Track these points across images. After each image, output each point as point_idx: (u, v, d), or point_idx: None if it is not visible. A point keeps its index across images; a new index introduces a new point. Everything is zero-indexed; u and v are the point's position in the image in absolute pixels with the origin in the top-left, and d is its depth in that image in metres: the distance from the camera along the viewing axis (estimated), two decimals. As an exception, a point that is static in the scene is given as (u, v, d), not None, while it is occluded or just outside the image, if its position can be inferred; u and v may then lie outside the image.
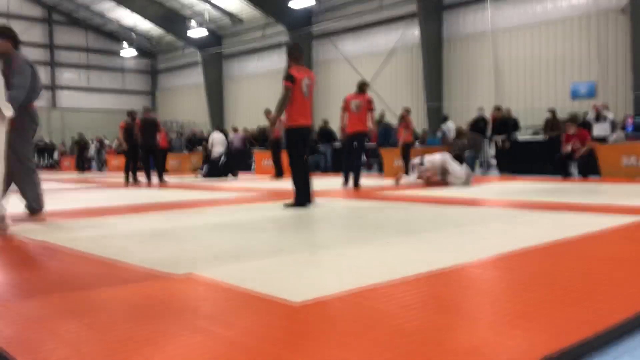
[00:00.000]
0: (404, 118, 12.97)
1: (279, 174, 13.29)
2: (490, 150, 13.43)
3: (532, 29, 20.46)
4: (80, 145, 22.51)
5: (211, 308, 2.13)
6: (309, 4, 24.31)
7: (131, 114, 12.74)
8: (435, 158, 9.68)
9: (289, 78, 6.09)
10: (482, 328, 1.83)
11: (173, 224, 4.82)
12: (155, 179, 12.20)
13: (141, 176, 12.75)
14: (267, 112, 13.95)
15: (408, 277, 2.57)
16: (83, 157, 22.56)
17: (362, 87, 9.68)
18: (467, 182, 9.24)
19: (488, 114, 14.55)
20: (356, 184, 9.39)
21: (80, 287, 2.53)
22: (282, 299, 2.23)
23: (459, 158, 10.81)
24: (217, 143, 18.50)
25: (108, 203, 7.26)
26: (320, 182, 10.90)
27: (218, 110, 33.87)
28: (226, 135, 20.38)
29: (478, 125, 13.60)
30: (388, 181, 10.91)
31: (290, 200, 6.15)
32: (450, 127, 16.67)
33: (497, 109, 13.07)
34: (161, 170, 12.40)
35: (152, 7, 30.89)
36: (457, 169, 9.39)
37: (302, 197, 6.09)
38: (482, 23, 21.81)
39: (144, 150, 12.27)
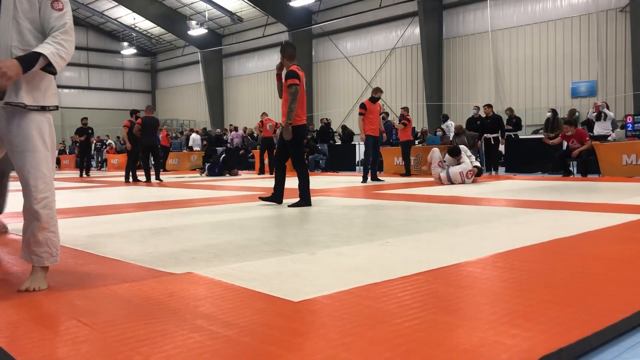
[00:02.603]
0: (404, 117, 13.01)
1: (262, 171, 15.14)
2: (481, 149, 13.38)
3: (532, 29, 20.46)
4: (85, 137, 16.28)
5: (210, 307, 2.13)
6: (309, 3, 24.30)
7: (134, 113, 12.75)
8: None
9: (295, 76, 6.00)
10: (481, 327, 1.83)
11: (172, 223, 4.82)
12: (152, 177, 12.21)
13: (140, 175, 12.75)
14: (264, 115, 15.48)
15: (407, 276, 2.57)
16: (86, 153, 16.91)
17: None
18: (442, 181, 9.39)
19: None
20: (372, 177, 10.53)
21: (80, 286, 2.53)
22: (281, 298, 2.23)
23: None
24: (196, 144, 19.59)
25: (107, 202, 7.26)
26: (321, 180, 10.92)
27: (218, 109, 33.88)
28: (217, 134, 20.74)
29: (473, 124, 13.57)
30: (391, 178, 10.93)
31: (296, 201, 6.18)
32: (449, 125, 16.67)
33: (488, 105, 12.99)
34: (159, 169, 12.40)
35: (152, 6, 30.88)
36: (436, 169, 9.63)
37: (308, 197, 6.12)
38: (482, 23, 21.80)
39: (145, 149, 12.28)
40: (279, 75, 6.31)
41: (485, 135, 12.65)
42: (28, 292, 2.43)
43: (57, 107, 2.59)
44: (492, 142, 12.58)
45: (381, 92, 10.67)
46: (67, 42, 2.46)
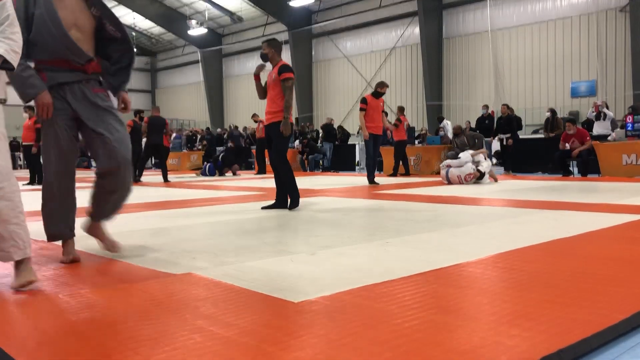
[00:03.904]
0: (399, 117, 13.02)
1: (262, 171, 15.03)
2: (494, 149, 13.44)
3: (531, 28, 20.46)
4: None
5: (211, 308, 2.13)
6: (309, 3, 24.29)
7: (138, 113, 12.75)
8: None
9: (291, 70, 5.70)
10: (481, 328, 1.83)
11: (172, 223, 4.82)
12: (146, 178, 12.22)
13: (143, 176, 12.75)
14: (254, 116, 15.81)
15: (407, 276, 2.57)
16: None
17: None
18: (442, 179, 9.63)
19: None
20: (369, 180, 9.76)
21: (80, 286, 2.53)
22: (281, 298, 2.23)
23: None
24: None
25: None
26: (321, 180, 10.92)
27: (218, 108, 33.85)
28: (219, 134, 20.86)
29: (482, 123, 13.59)
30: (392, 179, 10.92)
31: (271, 202, 5.95)
32: (445, 125, 16.65)
33: (507, 106, 13.13)
34: (166, 171, 12.42)
35: (152, 6, 30.86)
36: (441, 165, 9.95)
37: (297, 196, 5.84)
38: (482, 22, 21.80)
39: (149, 148, 12.29)
40: (257, 76, 5.91)
41: (499, 135, 12.74)
42: (27, 292, 2.43)
43: (5, 100, 2.51)
44: (505, 142, 12.64)
45: (386, 86, 9.72)
46: (15, 34, 2.41)
